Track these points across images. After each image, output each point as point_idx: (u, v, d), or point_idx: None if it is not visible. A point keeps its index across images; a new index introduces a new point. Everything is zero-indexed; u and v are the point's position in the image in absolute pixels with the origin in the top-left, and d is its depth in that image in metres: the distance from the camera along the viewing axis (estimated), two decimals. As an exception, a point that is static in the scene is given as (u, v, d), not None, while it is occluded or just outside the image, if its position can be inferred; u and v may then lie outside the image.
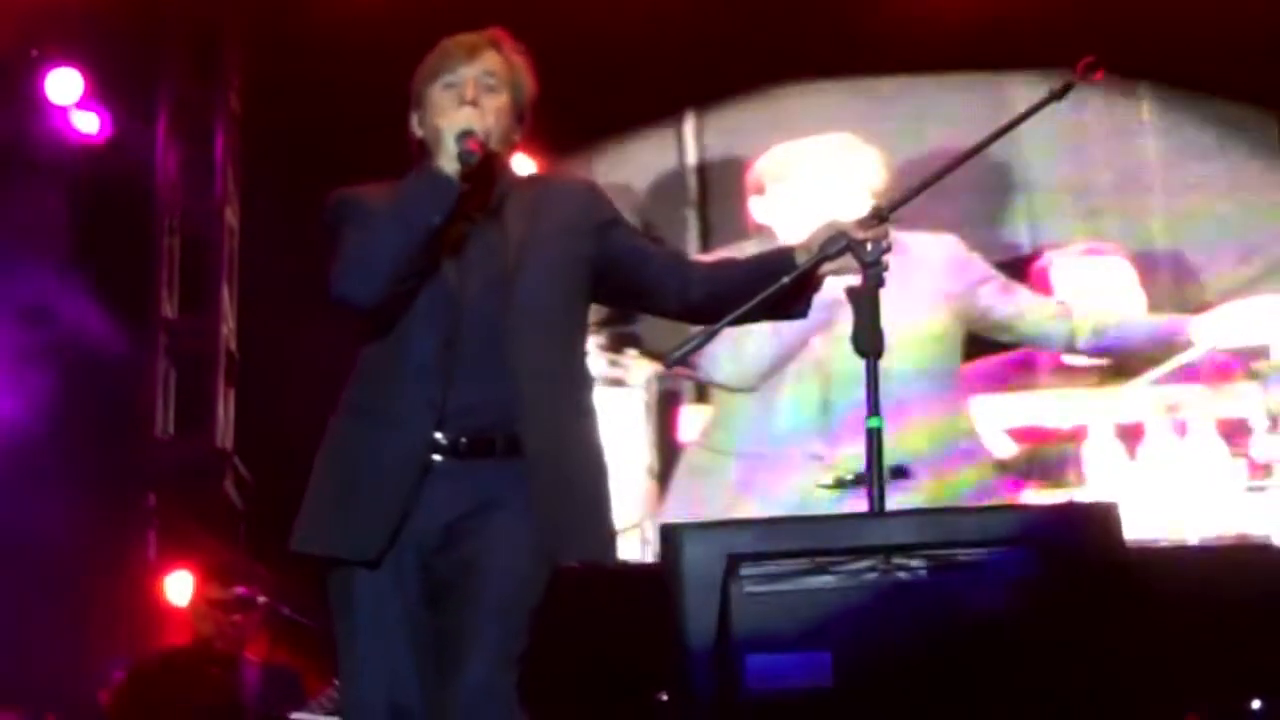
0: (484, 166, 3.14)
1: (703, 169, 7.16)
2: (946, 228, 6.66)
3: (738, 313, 3.14)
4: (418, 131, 3.27)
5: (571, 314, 3.30)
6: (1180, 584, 5.46)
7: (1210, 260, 6.87)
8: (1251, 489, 6.52)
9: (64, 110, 6.84)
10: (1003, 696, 2.70)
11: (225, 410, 7.11)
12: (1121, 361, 6.71)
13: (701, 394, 6.93)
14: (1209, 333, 6.65)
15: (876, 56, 6.95)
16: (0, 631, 6.05)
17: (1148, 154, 7.02)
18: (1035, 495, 6.54)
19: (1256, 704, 5.86)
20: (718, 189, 7.10)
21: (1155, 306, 6.84)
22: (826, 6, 6.98)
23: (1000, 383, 6.79)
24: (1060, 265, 6.86)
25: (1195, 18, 6.60)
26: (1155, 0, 6.67)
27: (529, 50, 3.33)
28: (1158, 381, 6.64)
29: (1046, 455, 6.68)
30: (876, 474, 2.94)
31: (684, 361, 3.23)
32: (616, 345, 6.72)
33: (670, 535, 2.83)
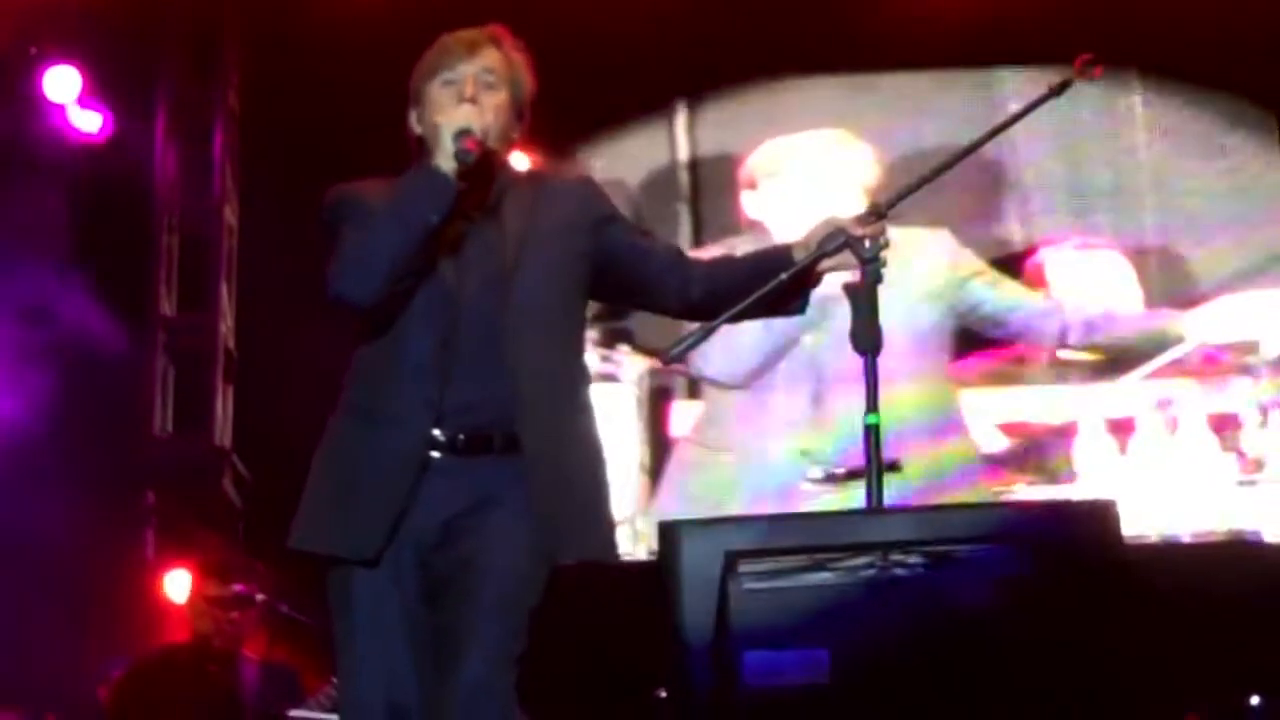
0: (482, 165, 3.14)
1: (695, 164, 7.14)
2: (940, 223, 6.66)
3: (736, 309, 3.14)
4: (416, 129, 3.27)
5: (570, 311, 3.30)
6: (1172, 580, 5.46)
7: (1204, 255, 6.88)
8: (1242, 484, 6.52)
9: (62, 108, 6.84)
10: (1000, 695, 2.70)
11: (224, 408, 7.10)
12: (1113, 356, 6.71)
13: (693, 390, 6.93)
14: (1200, 328, 6.66)
15: (871, 52, 6.95)
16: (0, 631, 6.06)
17: (1142, 150, 7.03)
18: (1026, 490, 6.55)
19: (1255, 700, 5.88)
20: (710, 184, 7.09)
21: (1149, 301, 6.85)
22: (820, 1, 6.98)
23: (991, 378, 6.80)
24: (1055, 260, 6.87)
25: (1191, 15, 6.61)
26: (1152, -2, 6.70)
27: (523, 45, 3.33)
28: (1149, 376, 6.64)
29: (1037, 450, 6.69)
30: (875, 470, 2.94)
31: (683, 358, 3.23)
32: (608, 341, 6.72)
33: (669, 532, 2.84)
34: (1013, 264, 6.86)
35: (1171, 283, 6.89)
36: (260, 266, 6.94)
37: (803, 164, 6.86)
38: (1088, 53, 3.20)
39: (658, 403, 6.88)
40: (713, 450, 6.76)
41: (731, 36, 6.95)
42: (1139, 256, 6.91)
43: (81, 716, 5.89)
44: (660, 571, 2.83)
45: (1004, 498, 6.47)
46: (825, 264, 3.15)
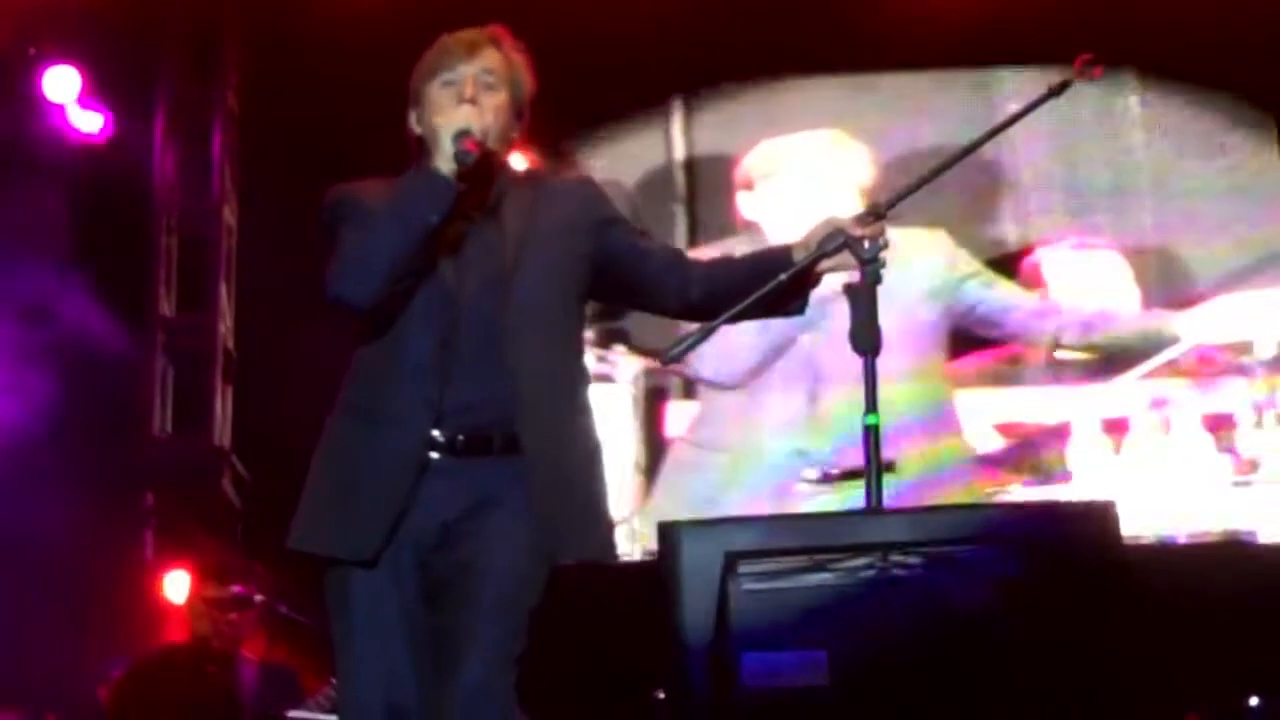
0: (481, 166, 3.13)
1: (691, 164, 7.14)
2: (938, 223, 6.67)
3: (736, 310, 3.13)
4: (416, 129, 3.26)
5: (569, 312, 3.30)
6: (1168, 581, 5.46)
7: (1202, 255, 6.89)
8: (1237, 484, 6.53)
9: (62, 108, 6.84)
10: (999, 695, 2.70)
11: (223, 409, 7.10)
12: (1108, 356, 6.72)
13: (689, 390, 6.94)
14: (1195, 328, 6.66)
15: (870, 52, 6.95)
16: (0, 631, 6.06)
17: (1140, 150, 7.03)
18: (1021, 490, 6.55)
19: (1254, 701, 5.88)
20: (706, 184, 7.09)
21: (1147, 301, 6.86)
22: (819, 1, 6.98)
23: (987, 377, 6.81)
24: (1052, 260, 6.87)
25: (1191, 15, 6.62)
26: (1151, -2, 6.70)
27: (522, 46, 3.33)
28: (1144, 376, 6.65)
29: (1032, 450, 6.69)
30: (874, 471, 2.93)
31: (681, 359, 3.22)
32: (604, 341, 6.72)
33: (668, 533, 2.84)
34: (1010, 264, 6.86)
35: (1170, 282, 6.89)
36: (259, 267, 6.94)
37: (798, 164, 6.86)
38: (1087, 53, 3.20)
39: (653, 403, 6.88)
40: (708, 450, 6.76)
41: (729, 36, 6.95)
42: (1138, 256, 6.91)
43: (81, 716, 5.89)
44: (660, 572, 2.83)
45: (998, 497, 6.48)
46: (824, 264, 3.14)
